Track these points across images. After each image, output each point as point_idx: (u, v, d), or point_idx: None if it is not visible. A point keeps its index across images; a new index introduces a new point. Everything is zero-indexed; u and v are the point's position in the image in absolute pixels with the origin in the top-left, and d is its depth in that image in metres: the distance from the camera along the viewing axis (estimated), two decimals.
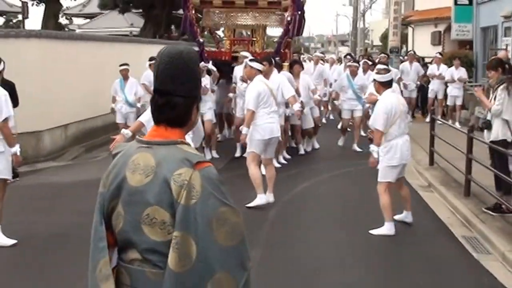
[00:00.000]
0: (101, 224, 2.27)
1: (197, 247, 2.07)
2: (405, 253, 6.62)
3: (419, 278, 5.86)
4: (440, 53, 18.21)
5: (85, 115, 14.29)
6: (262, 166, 8.67)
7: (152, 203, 2.15)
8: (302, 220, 7.88)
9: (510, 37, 17.84)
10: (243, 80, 10.61)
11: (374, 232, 7.08)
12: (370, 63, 14.10)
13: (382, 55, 16.85)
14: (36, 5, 28.03)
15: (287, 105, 10.27)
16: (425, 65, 18.59)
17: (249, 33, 15.09)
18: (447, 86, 16.57)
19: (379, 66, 11.16)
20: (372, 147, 7.03)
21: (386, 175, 7.13)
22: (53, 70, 12.67)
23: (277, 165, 10.73)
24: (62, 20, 33.27)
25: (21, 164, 7.21)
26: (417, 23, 31.68)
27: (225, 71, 12.58)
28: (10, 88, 7.91)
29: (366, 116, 12.02)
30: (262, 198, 8.20)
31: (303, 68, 12.44)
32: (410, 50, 23.55)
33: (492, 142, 7.75)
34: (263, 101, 8.20)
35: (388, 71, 7.57)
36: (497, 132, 7.66)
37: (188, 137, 6.21)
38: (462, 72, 16.18)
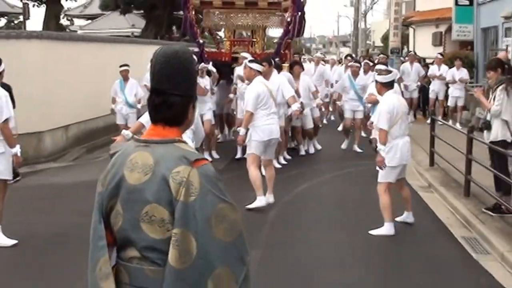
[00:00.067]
0: (100, 223, 2.29)
1: (197, 244, 2.10)
2: (405, 253, 6.63)
3: (418, 278, 5.88)
4: (441, 54, 18.21)
5: (86, 116, 14.32)
6: (262, 167, 8.67)
7: (151, 201, 2.17)
8: (302, 221, 7.89)
9: (511, 38, 17.84)
10: (241, 80, 10.61)
11: (373, 232, 7.10)
12: (371, 63, 14.10)
13: (381, 55, 16.85)
14: (37, 6, 28.08)
15: (289, 105, 10.26)
16: (426, 66, 18.58)
17: (249, 34, 15.09)
18: (448, 87, 16.58)
19: (379, 67, 11.22)
20: (379, 146, 7.05)
21: (386, 176, 7.15)
22: (54, 71, 12.70)
23: (278, 165, 10.74)
24: (63, 21, 33.26)
25: (21, 164, 7.22)
26: (418, 24, 31.70)
27: (225, 72, 12.60)
28: (7, 90, 7.92)
29: (366, 117, 12.01)
30: (261, 201, 8.19)
31: (303, 69, 12.42)
32: (411, 51, 23.57)
33: (491, 142, 7.76)
34: (262, 102, 8.19)
35: (389, 72, 7.62)
36: (497, 132, 7.68)
37: (189, 138, 6.21)
38: (463, 73, 16.16)
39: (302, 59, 17.24)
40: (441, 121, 12.00)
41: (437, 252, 6.60)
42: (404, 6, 31.27)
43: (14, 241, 6.73)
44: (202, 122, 10.27)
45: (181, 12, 14.57)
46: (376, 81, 7.41)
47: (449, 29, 24.73)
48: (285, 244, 6.86)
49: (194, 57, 8.93)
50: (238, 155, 11.55)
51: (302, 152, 12.45)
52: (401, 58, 19.71)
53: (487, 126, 7.82)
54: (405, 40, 32.71)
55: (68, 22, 40.52)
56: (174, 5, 27.73)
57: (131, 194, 2.22)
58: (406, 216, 7.54)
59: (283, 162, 11.33)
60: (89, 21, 43.01)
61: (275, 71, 10.00)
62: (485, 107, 7.94)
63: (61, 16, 30.33)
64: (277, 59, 11.21)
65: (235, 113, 12.58)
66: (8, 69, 7.41)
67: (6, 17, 41.68)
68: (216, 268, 2.13)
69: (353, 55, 22.32)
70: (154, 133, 2.31)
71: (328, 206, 8.73)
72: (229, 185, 8.21)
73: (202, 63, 11.60)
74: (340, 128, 15.82)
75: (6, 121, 6.56)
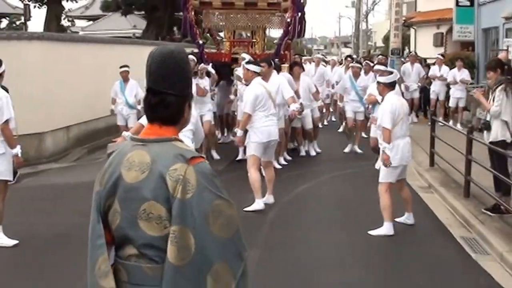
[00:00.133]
0: (98, 222, 2.31)
1: (195, 240, 2.12)
2: (405, 253, 6.65)
3: (418, 278, 5.89)
4: (441, 55, 18.22)
5: (87, 116, 14.35)
6: (262, 168, 8.67)
7: (148, 198, 2.20)
8: (302, 221, 7.91)
9: (511, 38, 17.82)
10: (239, 80, 10.61)
11: (373, 232, 7.11)
12: (371, 64, 14.08)
13: (380, 57, 16.85)
14: (38, 7, 28.11)
15: (289, 106, 10.24)
16: (427, 66, 18.58)
17: (249, 34, 15.10)
18: (449, 88, 16.58)
19: (378, 67, 11.23)
20: (384, 144, 7.09)
21: (386, 176, 7.19)
22: (55, 72, 12.73)
23: (278, 166, 10.75)
24: (64, 22, 33.26)
25: (22, 165, 7.25)
26: (419, 25, 31.72)
27: (225, 72, 12.59)
28: None
29: (366, 117, 11.99)
30: (259, 203, 8.17)
31: (303, 70, 12.41)
32: (412, 52, 23.56)
33: (491, 143, 7.77)
34: (261, 104, 8.18)
35: (390, 72, 7.68)
36: (496, 133, 7.69)
37: (188, 139, 6.22)
38: (464, 74, 16.12)
39: (302, 60, 17.21)
40: (441, 122, 12.01)
41: (436, 252, 6.62)
42: (405, 7, 31.28)
43: (15, 241, 6.75)
44: (202, 123, 10.29)
45: (182, 13, 14.56)
46: (378, 82, 7.44)
47: (450, 30, 24.75)
48: (285, 244, 6.88)
49: (194, 57, 8.95)
50: (239, 157, 11.54)
51: (303, 153, 12.45)
52: (402, 59, 19.69)
53: (487, 126, 7.83)
54: (406, 41, 32.72)
55: (69, 23, 40.53)
56: (175, 6, 27.72)
57: (129, 193, 2.25)
58: (406, 217, 7.56)
59: (283, 162, 11.34)
60: (91, 22, 43.08)
61: (274, 72, 9.99)
62: (484, 108, 7.95)
63: (62, 17, 30.33)
64: (276, 60, 11.19)
65: (236, 113, 12.58)
66: (9, 70, 7.43)
67: (7, 18, 41.69)
68: (214, 264, 2.15)
69: (353, 56, 22.32)
70: (150, 132, 2.33)
71: (328, 207, 8.74)
72: (229, 186, 8.24)
73: (202, 64, 11.60)
74: (340, 129, 15.84)
75: (7, 121, 6.59)
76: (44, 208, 8.65)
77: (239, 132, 8.40)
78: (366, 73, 12.94)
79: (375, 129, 10.01)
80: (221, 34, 17.40)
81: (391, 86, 7.31)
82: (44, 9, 26.58)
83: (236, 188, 8.64)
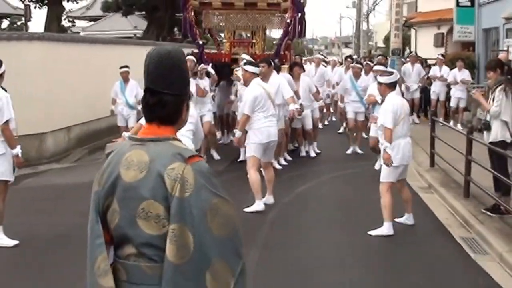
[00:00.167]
0: (97, 222, 2.32)
1: (194, 239, 2.14)
2: (404, 253, 6.66)
3: (417, 278, 5.90)
4: (442, 55, 18.21)
5: (88, 117, 14.37)
6: (262, 169, 8.65)
7: (147, 197, 2.22)
8: (302, 221, 7.91)
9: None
10: (238, 80, 10.60)
11: (372, 232, 7.12)
12: (372, 64, 14.07)
13: (379, 57, 16.85)
14: (38, 7, 28.15)
15: None
16: (428, 67, 18.57)
17: (249, 35, 15.09)
18: (449, 88, 16.58)
19: (377, 67, 11.21)
20: (386, 144, 7.13)
21: (388, 175, 7.22)
22: (56, 73, 12.75)
23: (278, 166, 10.77)
24: (65, 23, 33.32)
25: (22, 165, 7.27)
26: (420, 25, 31.72)
27: (225, 73, 12.58)
28: None
29: (367, 118, 11.98)
30: (259, 205, 8.17)
31: (304, 71, 12.39)
32: (412, 52, 23.55)
33: (491, 143, 7.78)
34: (260, 105, 8.17)
35: (391, 73, 7.72)
36: (496, 133, 7.70)
37: (188, 139, 6.24)
38: (465, 74, 16.10)
39: (302, 61, 17.21)
40: (441, 122, 12.01)
41: (436, 252, 6.63)
42: (406, 7, 31.29)
43: (16, 242, 6.77)
44: (202, 124, 10.30)
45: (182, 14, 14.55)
46: (380, 83, 7.46)
47: (450, 30, 24.75)
48: (285, 244, 6.88)
49: (193, 58, 8.96)
50: (241, 158, 11.52)
51: (303, 153, 12.45)
52: (402, 59, 19.69)
53: (487, 127, 7.84)
54: (407, 41, 32.73)
55: (69, 24, 40.57)
56: (176, 7, 27.71)
57: (127, 192, 2.27)
58: (406, 218, 7.57)
59: (284, 163, 11.34)
60: (92, 22, 43.09)
61: (274, 72, 9.99)
62: (484, 108, 7.96)
63: (63, 18, 30.37)
64: (276, 60, 11.18)
65: (236, 114, 12.58)
66: (10, 71, 7.44)
67: (8, 18, 41.75)
68: (213, 262, 2.17)
69: (354, 56, 22.31)
70: (149, 132, 2.35)
71: (328, 207, 8.75)
72: (229, 186, 8.30)
73: (202, 64, 11.60)
74: (341, 130, 15.84)
75: (7, 122, 6.61)
76: (45, 208, 8.66)
77: (237, 133, 8.40)
78: (367, 73, 12.88)
79: (375, 129, 10.03)
80: (221, 34, 17.41)
81: (392, 86, 7.37)
82: (44, 10, 26.63)
83: (237, 189, 8.67)
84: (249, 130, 8.26)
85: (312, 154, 12.52)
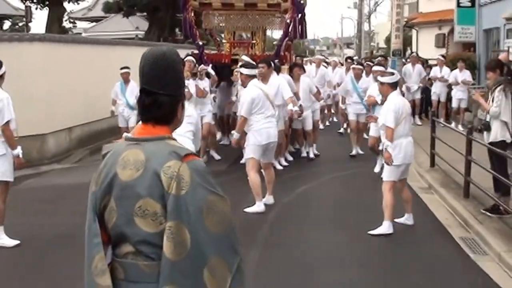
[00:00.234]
0: (94, 222, 2.35)
1: (191, 236, 2.18)
2: (404, 254, 6.67)
3: (416, 278, 5.92)
4: (442, 56, 18.21)
5: (89, 117, 14.40)
6: (262, 170, 8.64)
7: (144, 195, 2.25)
8: (302, 221, 7.93)
9: None
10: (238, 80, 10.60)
11: (372, 232, 7.14)
12: (372, 65, 14.06)
13: (379, 58, 16.83)
14: (39, 9, 28.18)
15: None
16: (429, 67, 18.56)
17: (249, 35, 15.08)
18: (450, 89, 16.58)
19: (376, 68, 11.20)
20: (387, 143, 7.18)
21: (390, 174, 7.27)
22: (57, 74, 12.78)
23: (279, 167, 10.78)
24: (66, 24, 33.34)
25: (23, 166, 7.29)
26: (421, 26, 31.68)
27: (225, 73, 12.57)
28: None
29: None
30: (260, 206, 8.17)
31: (304, 71, 12.36)
32: (413, 52, 23.53)
33: (491, 143, 7.79)
34: (258, 106, 8.16)
35: (392, 73, 7.75)
36: (496, 133, 7.71)
37: (189, 140, 6.24)
38: (466, 75, 16.08)
39: (303, 62, 17.18)
40: (442, 123, 12.02)
41: (435, 252, 6.64)
42: (407, 8, 31.27)
43: (17, 242, 6.79)
44: (202, 124, 10.31)
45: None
46: (382, 82, 7.49)
47: (452, 31, 24.70)
48: (285, 244, 6.90)
49: (193, 58, 8.95)
50: (244, 160, 11.48)
51: (304, 154, 12.45)
52: (403, 60, 19.69)
53: (487, 127, 7.85)
54: (408, 41, 32.70)
55: (70, 25, 40.64)
56: (177, 7, 27.71)
57: (124, 191, 2.30)
58: (406, 218, 7.59)
59: (284, 163, 11.35)
60: (94, 23, 43.15)
61: (274, 73, 9.98)
62: (484, 109, 7.97)
63: (65, 19, 30.40)
64: (276, 61, 11.17)
65: (237, 114, 12.57)
66: (11, 72, 7.47)
67: (10, 19, 41.81)
68: (210, 259, 2.20)
69: (355, 57, 22.30)
70: (144, 132, 2.38)
71: (328, 207, 8.76)
72: (230, 187, 8.31)
73: (202, 65, 11.60)
74: (341, 130, 15.85)
75: (8, 123, 6.63)
76: (46, 208, 8.69)
77: (235, 135, 8.39)
78: (368, 74, 12.86)
79: (375, 128, 10.06)
80: (222, 35, 17.39)
81: (394, 86, 7.44)
82: (46, 11, 26.67)
83: (237, 189, 8.70)
84: (248, 131, 8.24)
85: (311, 155, 12.49)
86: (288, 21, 12.31)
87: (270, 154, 8.54)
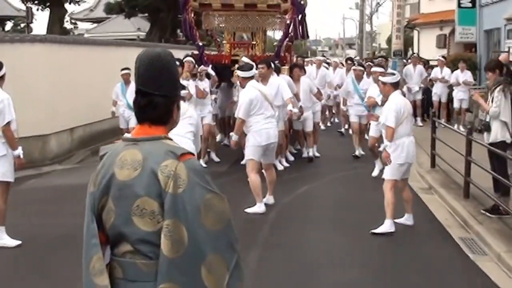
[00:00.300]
0: (92, 222, 2.37)
1: (188, 233, 2.20)
2: (404, 254, 6.69)
3: (416, 278, 5.94)
4: (443, 56, 18.20)
5: (91, 118, 14.43)
6: (263, 170, 8.64)
7: (141, 194, 2.27)
8: (303, 222, 7.94)
9: None
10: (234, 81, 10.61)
11: (374, 230, 7.15)
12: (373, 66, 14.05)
13: (379, 59, 16.83)
14: (41, 10, 28.20)
15: None
16: (430, 68, 18.55)
17: (249, 36, 15.07)
18: (451, 90, 16.57)
19: (375, 69, 11.21)
20: (385, 143, 7.26)
21: (392, 173, 7.30)
22: (59, 75, 12.82)
23: (280, 167, 10.78)
24: (67, 25, 33.38)
25: (23, 166, 7.31)
26: (422, 26, 31.65)
27: (225, 74, 12.57)
28: None
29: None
30: (260, 207, 8.18)
31: (305, 72, 12.34)
32: (414, 53, 23.51)
33: (491, 144, 7.80)
34: (257, 107, 8.14)
35: (392, 73, 7.79)
36: (496, 133, 7.72)
37: (190, 140, 6.24)
38: (467, 75, 16.08)
39: (304, 62, 17.18)
40: (442, 124, 12.03)
41: (435, 252, 6.66)
42: (408, 9, 31.23)
43: (18, 242, 6.81)
44: (202, 125, 10.31)
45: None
46: (384, 82, 7.51)
47: (453, 32, 24.69)
48: (285, 245, 6.91)
49: (192, 59, 8.94)
50: (244, 161, 11.49)
51: (305, 155, 12.45)
52: (404, 61, 19.68)
53: (486, 127, 7.87)
54: (409, 42, 32.67)
55: (72, 26, 40.69)
56: (178, 9, 27.68)
57: (122, 190, 2.32)
58: (406, 218, 7.60)
59: (285, 164, 11.35)
60: (95, 24, 43.16)
61: (274, 74, 9.99)
62: (484, 109, 7.99)
63: (66, 20, 30.43)
64: (276, 62, 11.18)
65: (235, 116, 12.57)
66: (13, 73, 7.50)
67: (12, 20, 41.84)
68: (208, 256, 2.23)
69: (356, 58, 22.29)
70: (141, 132, 2.41)
71: (328, 207, 8.77)
72: (230, 188, 8.33)
73: (202, 66, 11.60)
74: (342, 130, 15.87)
75: (8, 124, 6.66)
76: (47, 209, 8.70)
77: (234, 136, 8.39)
78: (369, 75, 12.86)
79: (375, 128, 10.08)
80: (222, 35, 17.38)
81: (396, 85, 7.50)
82: (47, 12, 26.69)
83: (237, 190, 8.72)
84: (248, 132, 8.23)
85: (311, 155, 12.47)
86: (288, 22, 12.30)
87: (271, 154, 8.52)
